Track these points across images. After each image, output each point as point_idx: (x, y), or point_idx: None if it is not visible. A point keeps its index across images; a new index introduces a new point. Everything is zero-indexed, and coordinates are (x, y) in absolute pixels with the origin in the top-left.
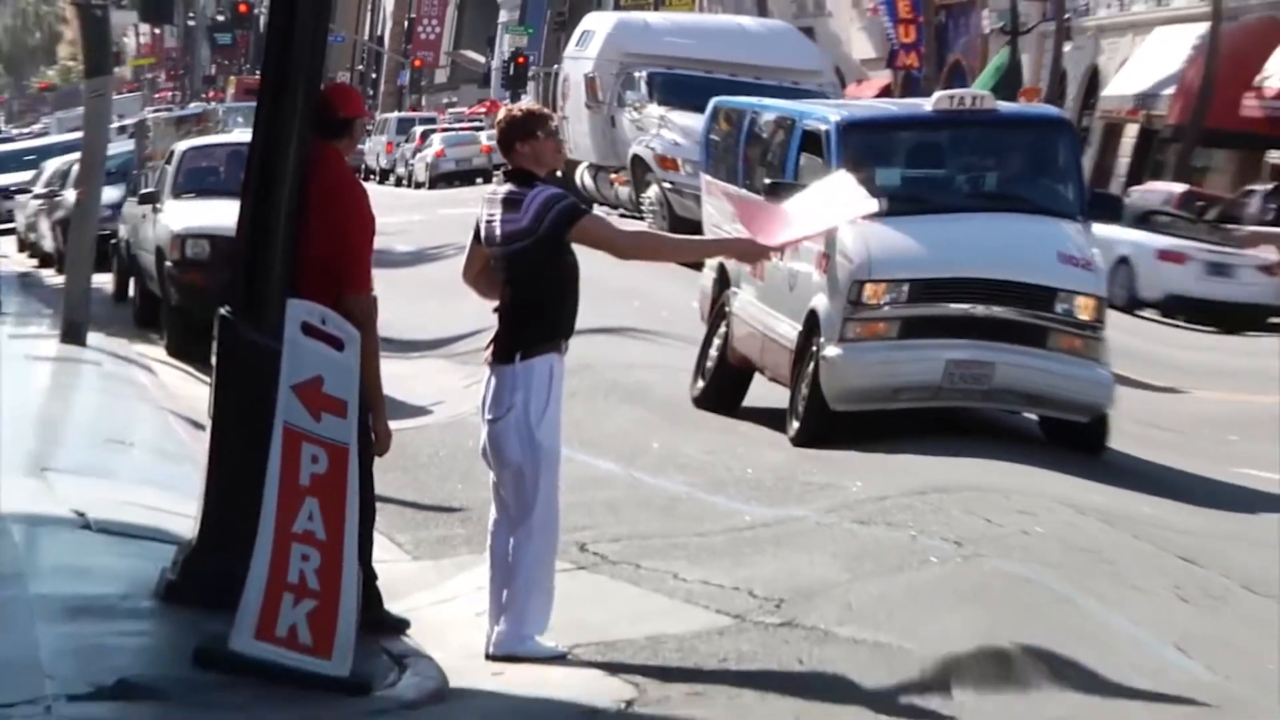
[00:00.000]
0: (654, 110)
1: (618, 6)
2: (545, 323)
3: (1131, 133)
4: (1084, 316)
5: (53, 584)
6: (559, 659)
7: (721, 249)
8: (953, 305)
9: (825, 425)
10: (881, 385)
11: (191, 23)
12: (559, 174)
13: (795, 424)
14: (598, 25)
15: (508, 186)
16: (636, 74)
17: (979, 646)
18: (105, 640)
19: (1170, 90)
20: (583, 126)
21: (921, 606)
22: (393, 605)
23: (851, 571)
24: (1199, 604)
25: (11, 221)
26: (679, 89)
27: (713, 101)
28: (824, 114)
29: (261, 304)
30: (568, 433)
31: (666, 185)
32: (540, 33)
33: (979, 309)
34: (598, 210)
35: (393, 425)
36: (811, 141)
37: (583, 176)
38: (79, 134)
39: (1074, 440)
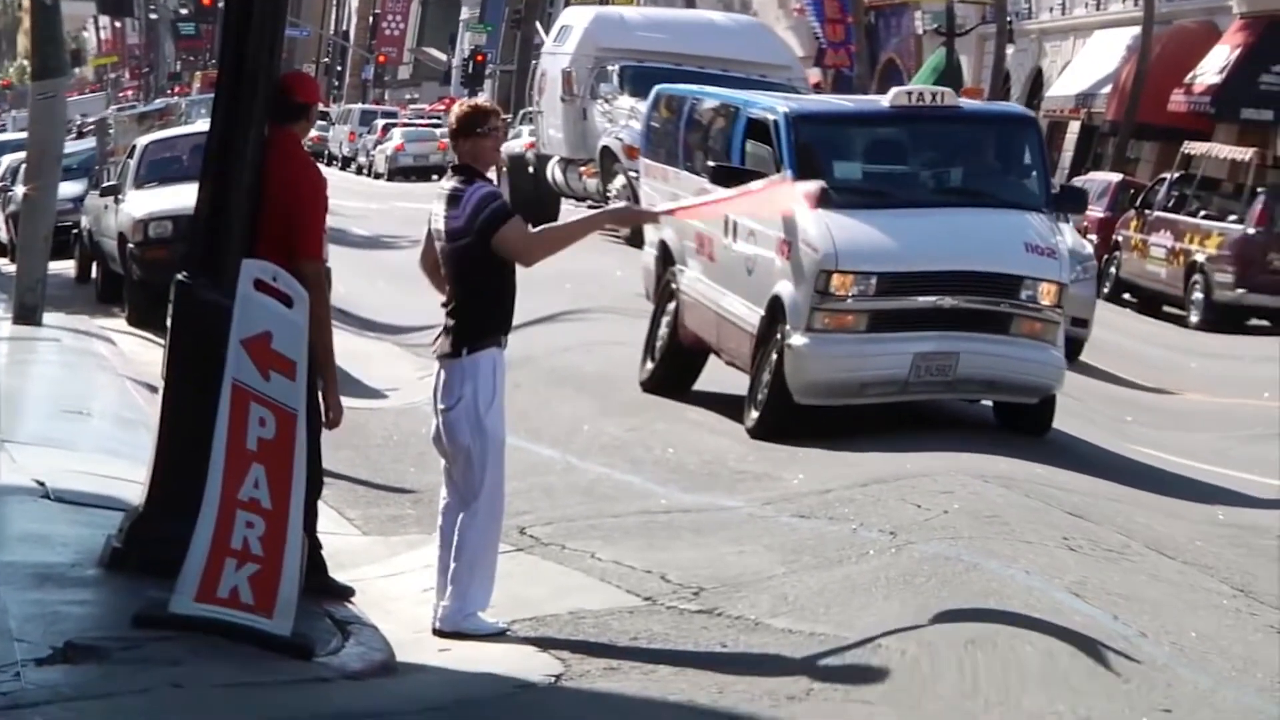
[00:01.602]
0: (625, 102)
1: (567, 3)
2: (488, 319)
3: (1073, 129)
4: (1046, 302)
5: (16, 552)
6: (500, 635)
7: (607, 217)
8: (921, 299)
9: (787, 418)
10: (849, 380)
11: (154, 16)
12: (530, 170)
13: (754, 414)
14: (575, 21)
15: (452, 182)
16: (609, 67)
17: (904, 626)
18: (60, 608)
19: (1108, 89)
20: (556, 121)
21: (858, 597)
22: (340, 576)
23: (788, 565)
24: (1090, 554)
25: None
26: (650, 81)
27: (655, 89)
28: (771, 104)
29: (218, 270)
30: (514, 423)
31: (632, 174)
32: (498, 31)
33: (946, 301)
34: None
35: (348, 404)
36: (759, 131)
37: (554, 171)
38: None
39: (1023, 422)
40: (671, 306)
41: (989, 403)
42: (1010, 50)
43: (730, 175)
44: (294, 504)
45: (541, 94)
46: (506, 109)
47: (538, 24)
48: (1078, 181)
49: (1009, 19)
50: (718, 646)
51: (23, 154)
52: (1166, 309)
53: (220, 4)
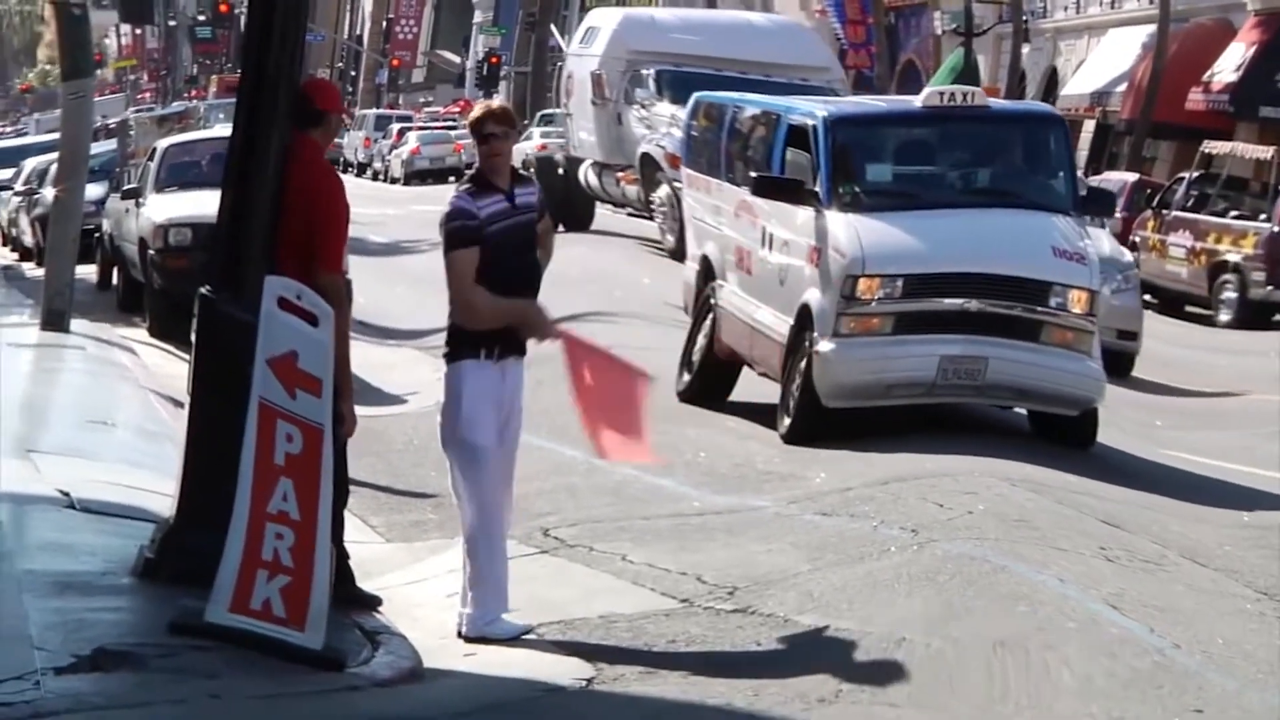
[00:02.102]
0: (664, 108)
1: (583, 8)
2: (461, 330)
3: (1089, 128)
4: (1077, 310)
5: (38, 561)
6: (523, 635)
7: (521, 317)
8: (947, 300)
9: (818, 423)
10: (875, 381)
11: (173, 23)
12: (561, 171)
13: (787, 420)
14: (603, 22)
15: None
16: (645, 71)
17: (930, 624)
18: (85, 615)
19: (1123, 88)
20: (587, 124)
21: (881, 594)
22: (365, 584)
23: (813, 562)
24: (1128, 565)
25: None
26: (689, 87)
27: (694, 96)
28: (810, 109)
29: (240, 283)
30: (537, 421)
31: (677, 184)
32: (513, 33)
33: (973, 304)
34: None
35: (369, 411)
36: (798, 137)
37: (587, 174)
38: (57, 135)
39: (1063, 435)
40: (709, 320)
41: (1024, 411)
42: (1025, 49)
43: (772, 186)
44: (322, 516)
45: (569, 96)
46: (521, 111)
47: (552, 26)
48: (1093, 181)
49: (1024, 18)
50: (753, 645)
51: (46, 158)
52: (1189, 309)
53: (238, 11)
